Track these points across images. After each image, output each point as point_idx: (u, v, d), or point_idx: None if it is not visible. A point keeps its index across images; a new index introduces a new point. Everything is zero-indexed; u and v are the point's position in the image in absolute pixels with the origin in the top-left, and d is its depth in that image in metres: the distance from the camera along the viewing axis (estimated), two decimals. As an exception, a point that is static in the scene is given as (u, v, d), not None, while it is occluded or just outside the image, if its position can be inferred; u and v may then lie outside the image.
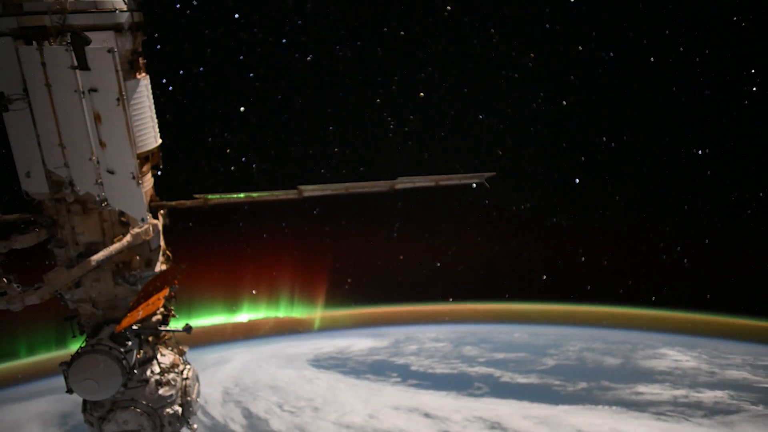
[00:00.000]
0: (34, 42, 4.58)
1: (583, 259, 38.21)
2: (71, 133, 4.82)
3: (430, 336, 32.69)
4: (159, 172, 5.84)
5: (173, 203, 5.84)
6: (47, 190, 5.12)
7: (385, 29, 33.78)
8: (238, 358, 29.81)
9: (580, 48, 34.11)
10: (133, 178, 5.02)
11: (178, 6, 29.08)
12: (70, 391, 5.20)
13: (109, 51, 4.54)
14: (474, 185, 6.18)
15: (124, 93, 4.72)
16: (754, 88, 32.51)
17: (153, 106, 5.42)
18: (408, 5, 34.12)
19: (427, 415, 22.89)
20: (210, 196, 5.76)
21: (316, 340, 32.25)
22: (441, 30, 33.93)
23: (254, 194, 5.84)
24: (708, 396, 25.88)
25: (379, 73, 35.38)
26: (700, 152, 35.10)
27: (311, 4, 32.83)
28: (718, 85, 34.27)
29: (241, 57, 32.62)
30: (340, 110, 36.05)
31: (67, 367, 5.13)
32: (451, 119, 37.33)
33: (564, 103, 35.56)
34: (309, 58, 32.54)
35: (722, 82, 34.15)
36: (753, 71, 32.21)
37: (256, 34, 32.38)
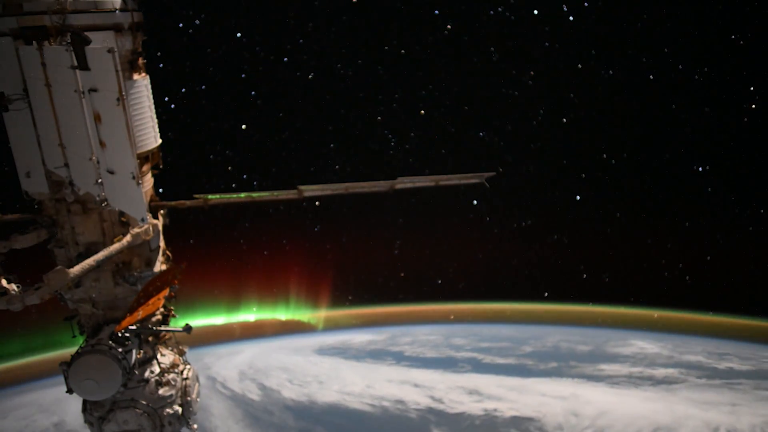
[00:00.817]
0: (34, 42, 4.58)
1: (585, 276, 38.70)
2: (71, 133, 4.82)
3: (424, 332, 36.03)
4: (157, 172, 5.84)
5: (173, 203, 5.84)
6: (47, 190, 5.12)
7: (386, 48, 34.09)
8: (248, 350, 33.43)
9: (579, 66, 34.39)
10: (133, 178, 5.02)
11: (180, 25, 29.50)
12: (70, 391, 5.20)
13: (109, 51, 4.54)
14: (476, 183, 6.19)
15: (124, 93, 4.73)
16: (753, 106, 32.85)
17: (153, 106, 5.42)
18: (408, 24, 34.52)
19: (416, 385, 27.86)
20: (210, 196, 5.76)
21: (320, 336, 35.73)
22: (441, 48, 34.29)
23: (254, 194, 5.84)
24: (660, 372, 30.03)
25: (380, 91, 35.71)
26: (700, 169, 35.28)
27: (312, 24, 33.12)
28: (718, 102, 34.66)
29: (243, 75, 32.93)
30: (341, 128, 36.36)
31: (67, 367, 5.13)
32: (451, 137, 37.55)
33: (564, 120, 35.87)
34: (310, 77, 32.87)
35: (721, 100, 34.52)
36: (752, 88, 32.59)
37: (257, 53, 32.73)
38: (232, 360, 31.99)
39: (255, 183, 34.13)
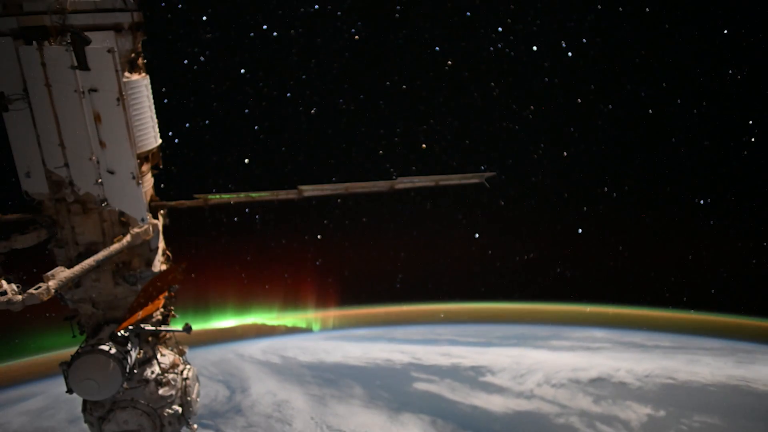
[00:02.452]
0: (34, 42, 4.58)
1: (588, 309, 39.29)
2: (71, 133, 4.83)
3: (419, 329, 41.65)
4: (157, 171, 5.84)
5: (173, 203, 5.84)
6: (47, 190, 5.12)
7: (388, 83, 34.37)
8: (261, 343, 38.83)
9: (579, 100, 34.80)
10: (133, 178, 5.03)
11: (186, 62, 29.92)
12: (70, 391, 5.20)
13: (109, 51, 4.54)
14: (476, 183, 6.19)
15: (124, 93, 4.73)
16: (753, 139, 33.21)
17: (153, 106, 5.42)
18: (410, 60, 34.98)
19: (402, 352, 36.20)
20: (210, 196, 5.76)
21: (322, 334, 40.94)
22: (442, 83, 34.73)
23: (254, 194, 5.84)
24: (595, 344, 37.13)
25: (381, 125, 35.93)
26: (701, 202, 35.50)
27: (315, 60, 33.51)
28: (717, 136, 34.98)
29: (246, 110, 33.27)
30: (342, 161, 36.58)
31: (67, 367, 5.13)
32: (453, 170, 37.79)
33: (565, 154, 36.25)
34: (313, 111, 33.23)
35: (721, 133, 34.87)
36: (750, 122, 33.00)
37: (261, 89, 33.10)
38: (249, 347, 37.79)
39: (257, 216, 34.90)
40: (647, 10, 32.64)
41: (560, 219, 38.50)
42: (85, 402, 5.82)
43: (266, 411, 27.99)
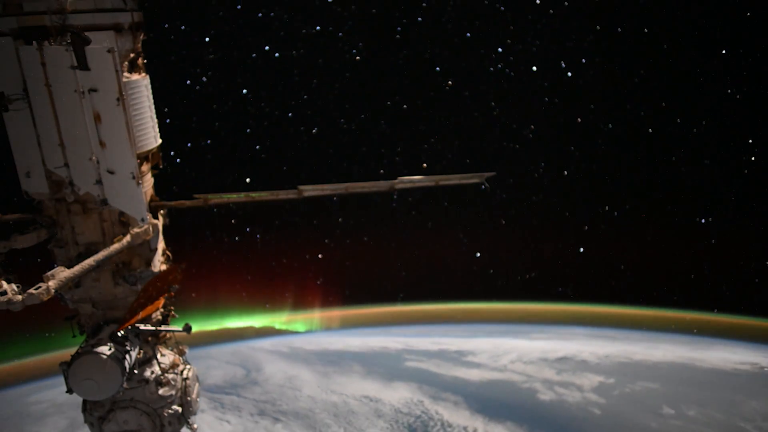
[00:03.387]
0: (34, 42, 4.58)
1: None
2: (71, 133, 4.83)
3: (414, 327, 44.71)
4: (157, 171, 5.84)
5: (173, 203, 5.84)
6: (47, 190, 5.12)
7: (389, 103, 34.92)
8: (270, 340, 41.56)
9: (579, 120, 35.17)
10: (133, 178, 5.02)
11: (188, 82, 30.49)
12: (70, 391, 5.20)
13: (109, 51, 4.54)
14: (476, 183, 6.18)
15: (124, 93, 4.73)
16: (753, 158, 33.44)
17: (153, 106, 5.42)
18: (411, 80, 35.40)
19: (396, 342, 39.29)
20: (210, 196, 5.76)
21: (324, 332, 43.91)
22: (443, 103, 35.07)
23: (254, 194, 5.83)
24: (572, 336, 39.33)
25: (382, 145, 36.65)
26: (703, 221, 35.68)
27: (317, 80, 34.00)
28: (717, 155, 35.27)
29: (248, 130, 33.83)
30: (344, 181, 37.03)
31: (67, 367, 5.13)
32: (454, 189, 37.94)
33: (565, 173, 36.62)
34: (314, 131, 33.69)
35: (721, 152, 35.14)
36: (750, 141, 33.25)
37: (263, 108, 33.73)
38: (260, 342, 40.93)
39: (258, 236, 36.77)
40: (645, 30, 33.28)
41: (561, 238, 39.10)
42: (85, 402, 5.82)
43: (279, 383, 33.20)
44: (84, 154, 4.88)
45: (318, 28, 32.09)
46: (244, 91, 32.40)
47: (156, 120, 5.51)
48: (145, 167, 5.52)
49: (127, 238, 5.22)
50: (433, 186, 6.15)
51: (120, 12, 4.95)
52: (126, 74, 5.06)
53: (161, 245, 5.93)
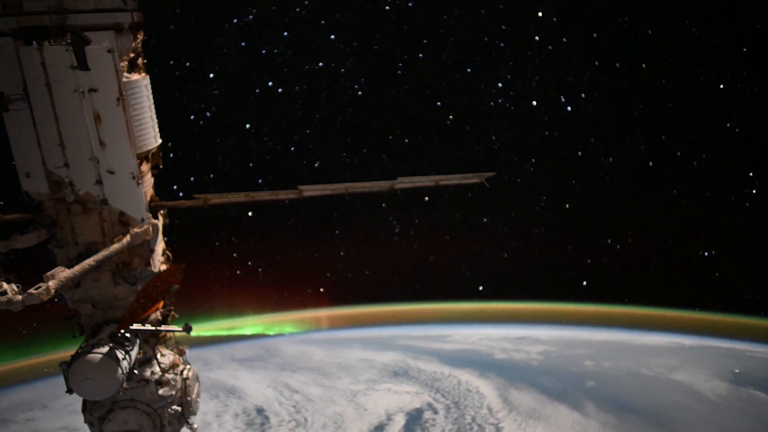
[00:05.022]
0: (34, 42, 4.58)
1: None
2: (71, 133, 4.83)
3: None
4: (157, 171, 5.84)
5: (173, 203, 5.84)
6: (47, 190, 5.12)
7: (390, 137, 35.38)
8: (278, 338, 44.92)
9: (579, 153, 35.53)
10: (133, 178, 5.03)
11: (192, 117, 30.90)
12: (70, 391, 5.20)
13: (109, 51, 4.55)
14: (476, 183, 6.19)
15: (124, 93, 4.74)
16: (754, 191, 33.61)
17: (153, 106, 5.42)
18: (412, 115, 35.83)
19: (389, 332, 41.69)
20: (210, 196, 5.76)
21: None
22: (444, 137, 35.40)
23: (254, 194, 5.84)
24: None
25: (383, 178, 36.49)
26: (706, 254, 35.72)
27: (319, 115, 34.41)
28: (718, 188, 35.43)
29: (251, 164, 34.07)
30: (345, 214, 37.68)
31: (67, 367, 5.13)
32: (455, 222, 38.92)
33: (567, 206, 36.88)
34: (316, 165, 34.13)
35: (721, 185, 35.35)
36: (750, 174, 33.48)
37: (265, 143, 33.97)
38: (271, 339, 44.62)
39: (259, 270, 37.25)
40: (644, 66, 33.62)
41: (564, 272, 39.45)
42: (85, 402, 5.82)
43: (294, 354, 38.02)
44: (84, 154, 4.89)
45: (321, 64, 32.77)
46: (248, 125, 33.01)
47: (156, 120, 5.52)
48: (145, 167, 5.52)
49: (127, 238, 5.22)
50: (433, 186, 6.15)
51: (120, 12, 4.95)
52: (126, 74, 5.06)
53: (161, 245, 5.93)
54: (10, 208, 5.45)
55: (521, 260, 39.24)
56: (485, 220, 37.92)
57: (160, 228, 5.81)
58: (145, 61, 5.35)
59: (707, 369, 32.81)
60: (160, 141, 5.58)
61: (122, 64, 5.02)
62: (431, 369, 34.81)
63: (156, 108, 5.47)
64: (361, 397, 31.55)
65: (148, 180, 5.62)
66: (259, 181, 33.86)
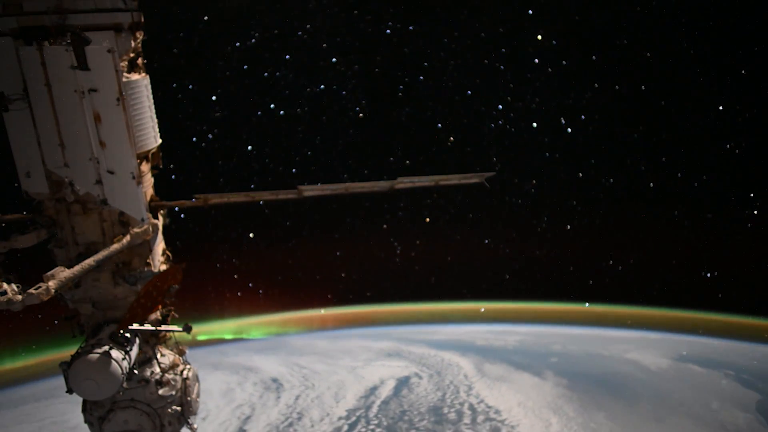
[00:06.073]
0: (34, 42, 4.58)
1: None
2: (71, 133, 4.83)
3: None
4: (157, 171, 5.84)
5: (173, 203, 5.84)
6: (47, 190, 5.12)
7: (391, 159, 35.79)
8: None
9: (580, 174, 35.94)
10: (133, 178, 5.03)
11: (194, 139, 31.38)
12: (70, 391, 5.20)
13: (109, 51, 4.55)
14: (476, 183, 6.19)
15: (124, 93, 4.74)
16: (755, 212, 33.86)
17: (153, 106, 5.42)
18: (413, 136, 36.24)
19: (384, 330, 45.25)
20: (210, 196, 5.76)
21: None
22: (445, 159, 35.77)
23: (254, 194, 5.84)
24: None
25: (385, 200, 37.34)
26: (708, 275, 35.90)
27: (321, 137, 34.96)
28: (719, 209, 35.58)
29: (252, 186, 34.29)
30: (347, 236, 38.54)
31: (67, 367, 5.13)
32: (457, 243, 39.72)
33: (568, 227, 37.30)
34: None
35: (723, 206, 35.52)
36: (752, 195, 33.74)
37: (267, 165, 34.49)
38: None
39: (260, 291, 38.15)
40: (643, 87, 33.98)
41: (566, 293, 39.88)
42: (85, 402, 5.82)
43: (300, 345, 40.65)
44: (84, 154, 4.89)
45: (322, 86, 33.41)
46: (249, 147, 33.45)
47: (156, 120, 5.52)
48: (145, 167, 5.52)
49: (127, 238, 5.22)
50: (433, 186, 6.15)
51: (120, 12, 4.95)
52: (126, 74, 5.06)
53: (161, 245, 5.93)
54: (10, 208, 5.46)
55: (523, 281, 40.01)
56: (486, 241, 38.53)
57: (160, 228, 5.81)
58: (145, 61, 5.35)
59: (658, 351, 36.96)
60: (160, 141, 5.59)
61: (122, 64, 5.02)
62: (420, 351, 39.43)
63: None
64: (359, 370, 36.57)
65: (148, 180, 5.63)
66: (260, 202, 34.16)
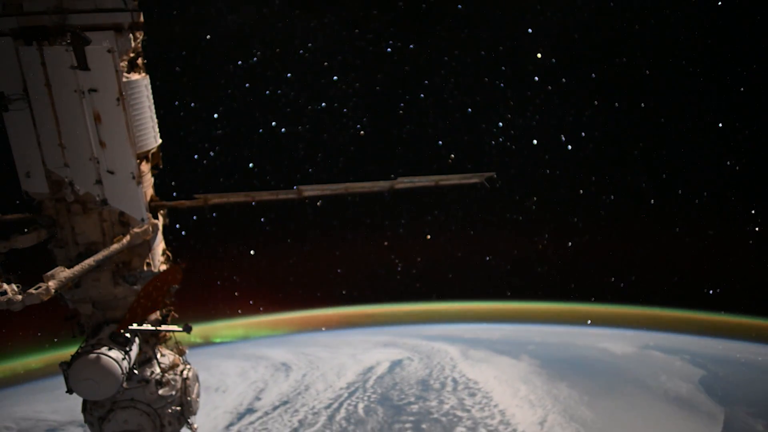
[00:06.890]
0: (34, 42, 4.58)
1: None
2: (71, 133, 4.83)
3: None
4: (157, 171, 5.84)
5: (173, 203, 5.84)
6: (47, 190, 5.12)
7: (392, 175, 35.34)
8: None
9: (580, 191, 35.99)
10: (133, 178, 5.03)
11: (196, 156, 31.59)
12: (70, 391, 5.20)
13: (109, 51, 4.55)
14: (476, 183, 6.19)
15: (124, 93, 4.74)
16: (757, 228, 33.82)
17: (153, 106, 5.42)
18: (413, 153, 36.42)
19: (381, 329, 48.15)
20: (210, 196, 5.76)
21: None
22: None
23: (254, 194, 5.84)
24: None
25: (386, 217, 37.63)
26: (711, 292, 35.90)
27: (322, 154, 35.16)
28: (720, 226, 35.56)
29: (253, 203, 34.32)
30: (348, 253, 38.79)
31: (67, 367, 5.13)
32: (458, 260, 39.89)
33: (569, 244, 37.49)
34: (319, 203, 34.63)
35: (724, 224, 35.51)
36: (753, 212, 33.80)
37: (268, 182, 34.60)
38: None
39: (261, 308, 38.65)
40: (643, 105, 34.03)
41: (567, 310, 40.09)
42: (85, 402, 5.83)
43: (304, 340, 43.25)
44: (84, 154, 4.89)
45: (323, 104, 33.57)
46: (251, 164, 33.67)
47: (156, 120, 5.52)
48: (145, 167, 5.52)
49: (127, 238, 5.22)
50: (432, 186, 6.15)
51: (120, 12, 4.95)
52: (126, 74, 5.06)
53: (161, 245, 5.93)
54: (10, 208, 5.46)
55: (524, 298, 40.31)
56: (488, 258, 38.64)
57: (160, 228, 5.81)
58: (145, 61, 5.35)
59: (628, 342, 39.61)
60: (160, 141, 5.58)
61: (122, 64, 5.02)
62: (413, 342, 42.94)
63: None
64: (358, 356, 40.57)
65: (148, 180, 5.62)
66: (261, 219, 34.90)
